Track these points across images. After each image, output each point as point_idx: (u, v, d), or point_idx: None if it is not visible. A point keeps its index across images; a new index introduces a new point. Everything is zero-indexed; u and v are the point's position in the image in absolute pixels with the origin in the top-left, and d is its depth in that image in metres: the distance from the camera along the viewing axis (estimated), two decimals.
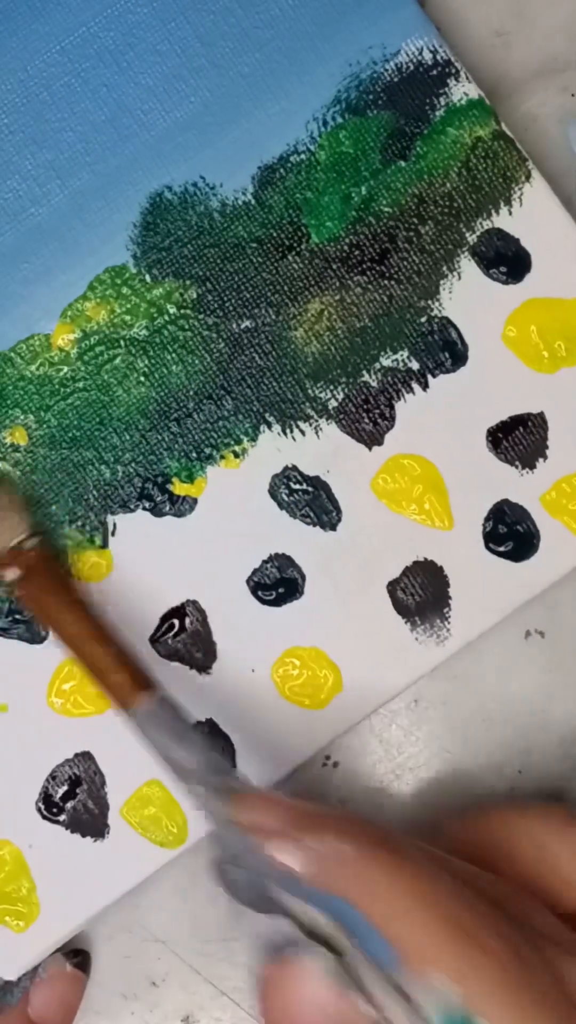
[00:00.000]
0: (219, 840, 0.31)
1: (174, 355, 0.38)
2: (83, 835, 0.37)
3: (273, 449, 0.37)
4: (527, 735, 0.38)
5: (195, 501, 0.37)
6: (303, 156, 0.38)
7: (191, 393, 0.38)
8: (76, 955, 0.37)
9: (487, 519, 0.37)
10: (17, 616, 0.37)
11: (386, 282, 0.38)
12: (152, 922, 0.38)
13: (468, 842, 0.32)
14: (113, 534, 0.37)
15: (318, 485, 0.37)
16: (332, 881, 0.28)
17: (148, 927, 0.38)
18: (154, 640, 0.37)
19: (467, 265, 0.38)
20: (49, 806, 0.37)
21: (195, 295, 0.38)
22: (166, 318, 0.38)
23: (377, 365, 0.38)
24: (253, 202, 0.38)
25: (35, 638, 0.37)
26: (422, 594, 0.37)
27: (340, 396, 0.38)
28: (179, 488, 0.37)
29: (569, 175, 0.39)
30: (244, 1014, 0.38)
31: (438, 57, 0.38)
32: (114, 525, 0.37)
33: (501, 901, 0.28)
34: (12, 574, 0.35)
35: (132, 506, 0.37)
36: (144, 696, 0.33)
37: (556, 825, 0.33)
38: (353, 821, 0.30)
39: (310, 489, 0.37)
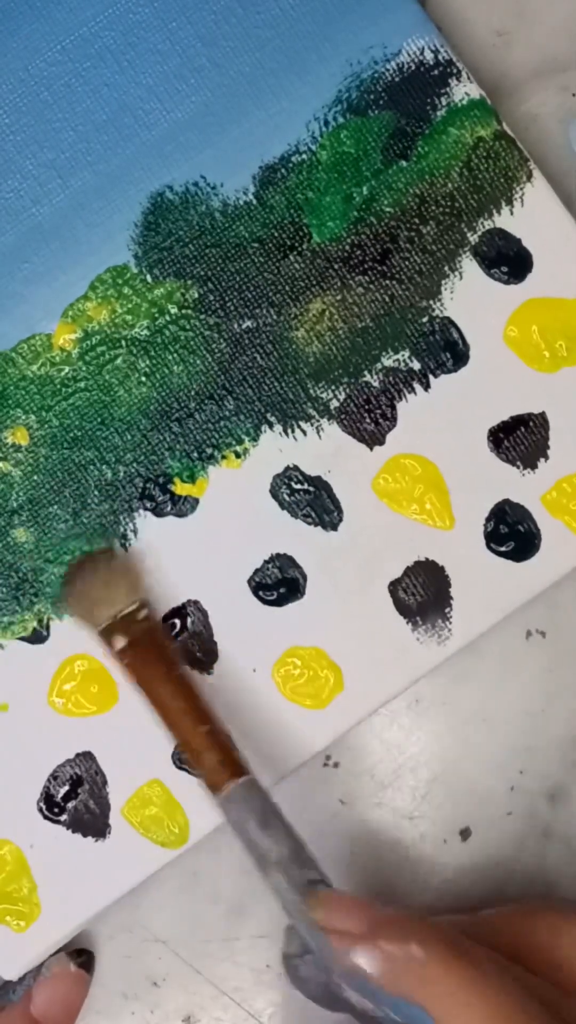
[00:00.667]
0: (293, 935, 0.32)
1: (175, 355, 0.38)
2: (84, 835, 0.37)
3: (275, 449, 0.38)
4: (528, 735, 0.38)
5: (196, 501, 0.37)
6: (304, 156, 0.38)
7: (192, 393, 0.38)
8: (80, 955, 0.37)
9: (488, 519, 0.37)
10: None
11: (387, 282, 0.38)
12: (153, 922, 0.38)
13: (511, 944, 0.32)
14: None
15: (319, 485, 0.37)
16: (409, 988, 0.29)
17: (149, 927, 0.38)
18: None
19: (468, 265, 0.38)
20: (50, 806, 0.37)
21: (196, 295, 0.38)
22: (167, 318, 0.38)
23: (379, 365, 0.38)
24: (254, 202, 0.38)
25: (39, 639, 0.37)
26: (423, 594, 0.37)
27: (342, 396, 0.38)
28: (180, 488, 0.37)
29: (570, 175, 0.40)
30: (245, 1014, 0.38)
31: (439, 57, 0.38)
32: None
33: (557, 1007, 0.29)
34: (120, 642, 0.35)
35: (134, 506, 0.37)
36: (233, 780, 0.33)
37: None
38: (433, 928, 0.30)
39: (311, 489, 0.37)
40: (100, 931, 0.38)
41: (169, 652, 0.36)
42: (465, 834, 0.38)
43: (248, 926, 0.38)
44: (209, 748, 0.34)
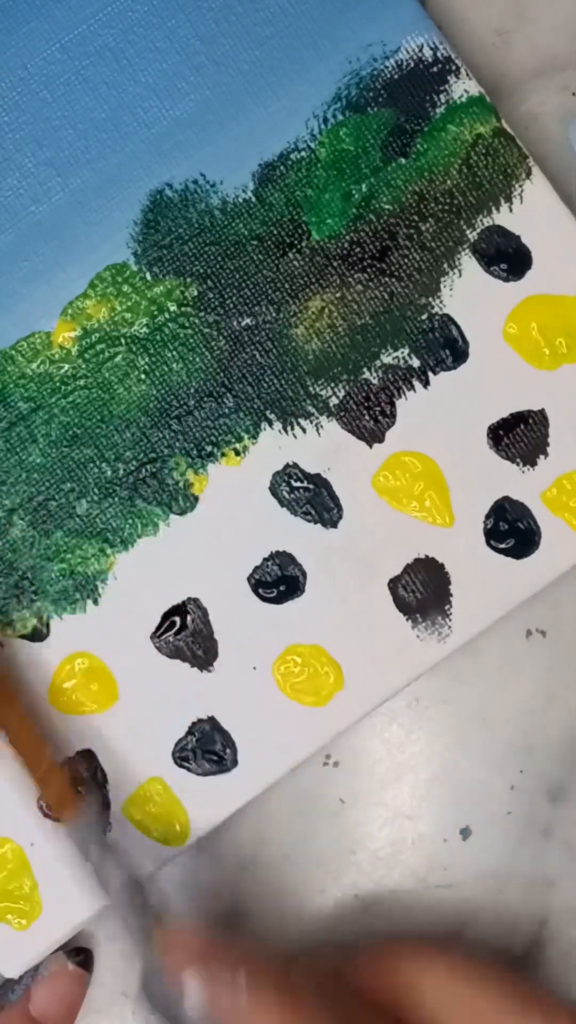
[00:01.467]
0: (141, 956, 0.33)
1: (175, 353, 0.38)
2: None
3: (274, 447, 0.38)
4: (528, 734, 0.38)
5: (196, 499, 0.37)
6: (304, 153, 0.38)
7: (192, 391, 0.38)
8: (79, 953, 0.37)
9: (488, 516, 0.37)
10: None
11: (387, 279, 0.38)
12: None
13: (373, 983, 0.33)
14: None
15: (319, 482, 0.37)
16: (228, 1019, 0.30)
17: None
18: (155, 637, 0.37)
19: (468, 262, 0.38)
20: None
21: (196, 293, 0.38)
22: (167, 316, 0.38)
23: (378, 362, 0.38)
24: (254, 199, 0.38)
25: (39, 637, 0.37)
26: (423, 591, 0.37)
27: (341, 393, 0.38)
28: (180, 485, 0.37)
29: (570, 173, 0.40)
30: None
31: (438, 54, 0.38)
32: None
33: None
34: None
35: (134, 504, 0.37)
36: (72, 812, 0.34)
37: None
38: (264, 963, 0.31)
39: (311, 486, 0.37)
40: (101, 931, 0.38)
41: (8, 683, 0.36)
42: (465, 833, 0.38)
43: (248, 925, 0.38)
44: (51, 777, 0.34)
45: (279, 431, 0.38)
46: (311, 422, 0.38)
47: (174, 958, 0.31)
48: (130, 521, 0.37)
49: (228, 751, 0.36)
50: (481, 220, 0.38)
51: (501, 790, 0.38)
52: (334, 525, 0.37)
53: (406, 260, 0.38)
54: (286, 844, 0.38)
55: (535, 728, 0.38)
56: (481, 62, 0.40)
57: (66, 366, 0.38)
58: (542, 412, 0.38)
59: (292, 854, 0.38)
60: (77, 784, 0.35)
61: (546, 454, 0.37)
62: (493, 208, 0.38)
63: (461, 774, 0.38)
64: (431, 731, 0.39)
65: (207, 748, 0.36)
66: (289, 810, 0.38)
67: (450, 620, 0.37)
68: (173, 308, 0.38)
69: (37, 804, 0.35)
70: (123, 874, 0.34)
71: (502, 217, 0.38)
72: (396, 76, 0.38)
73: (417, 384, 0.38)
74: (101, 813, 0.35)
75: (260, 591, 0.37)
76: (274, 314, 0.38)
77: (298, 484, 0.37)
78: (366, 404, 0.38)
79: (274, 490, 0.37)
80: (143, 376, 0.38)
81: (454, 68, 0.38)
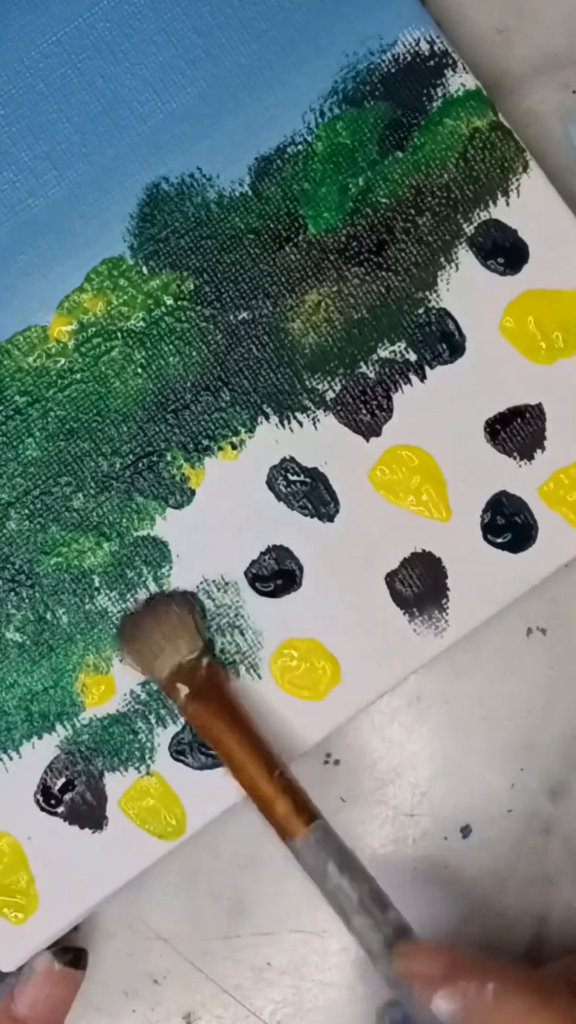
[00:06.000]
0: (387, 983, 0.32)
1: (171, 347, 0.38)
2: (81, 827, 0.36)
3: (271, 440, 0.37)
4: (528, 732, 0.38)
5: (193, 492, 0.37)
6: (300, 147, 0.38)
7: (188, 385, 0.38)
8: (67, 953, 0.37)
9: (485, 510, 0.37)
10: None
11: (383, 273, 0.38)
12: (154, 920, 0.38)
13: None
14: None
15: (316, 476, 0.37)
16: None
17: (150, 925, 0.38)
18: None
19: (465, 256, 0.38)
20: (47, 798, 0.37)
21: (192, 286, 0.38)
22: (163, 309, 0.38)
23: (375, 356, 0.38)
24: (250, 193, 0.38)
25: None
26: (420, 585, 0.37)
27: (338, 387, 0.38)
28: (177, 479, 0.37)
29: (570, 171, 0.39)
30: (245, 1011, 0.38)
31: (435, 48, 0.38)
32: None
33: None
34: (183, 690, 0.35)
35: (131, 497, 0.37)
36: (306, 826, 0.33)
37: None
38: (514, 971, 0.31)
39: (308, 480, 0.37)
40: (101, 929, 0.38)
41: (231, 699, 0.36)
42: (466, 831, 0.38)
43: (249, 924, 0.38)
44: (279, 796, 0.34)
45: (276, 425, 0.38)
46: (308, 416, 0.38)
47: (419, 974, 0.31)
48: (126, 515, 0.37)
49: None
50: (478, 214, 0.38)
51: (502, 788, 0.38)
52: (331, 519, 0.37)
53: (403, 254, 0.38)
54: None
55: (535, 726, 0.38)
56: (481, 60, 0.40)
57: (62, 360, 0.38)
58: (539, 406, 0.37)
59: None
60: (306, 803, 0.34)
61: (543, 448, 0.37)
62: (490, 202, 0.38)
63: (461, 772, 0.38)
64: (432, 729, 0.38)
65: (203, 742, 0.36)
66: None
67: (447, 614, 0.37)
68: (169, 302, 0.38)
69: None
70: (365, 887, 0.33)
71: (499, 211, 0.38)
72: (393, 70, 0.38)
73: (414, 378, 0.38)
74: None
75: (257, 585, 0.37)
76: (270, 308, 0.38)
77: (295, 478, 0.37)
78: (363, 398, 0.38)
79: (271, 484, 0.37)
80: (139, 370, 0.38)
81: (451, 62, 0.38)
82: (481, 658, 0.38)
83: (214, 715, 0.35)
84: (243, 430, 0.38)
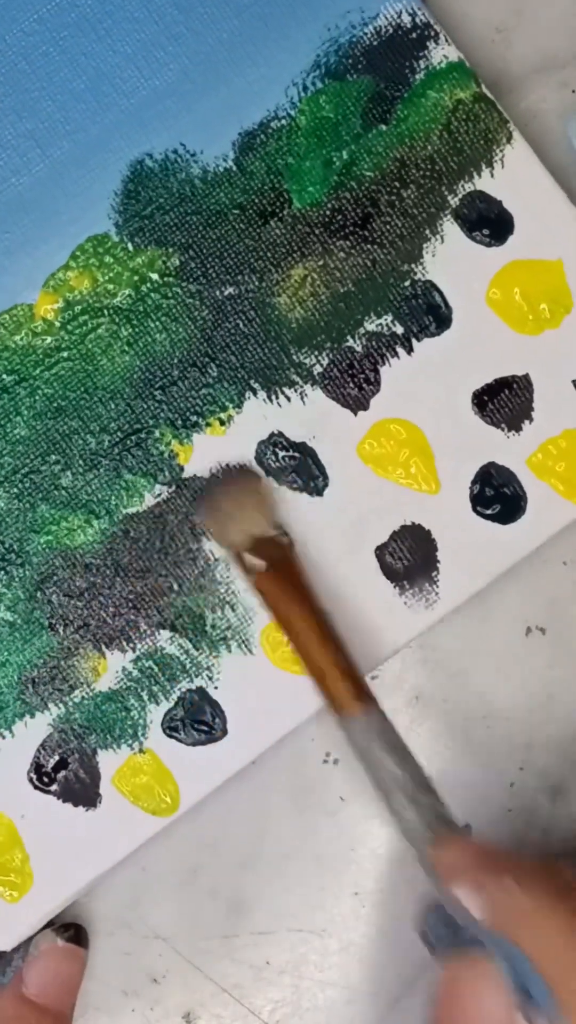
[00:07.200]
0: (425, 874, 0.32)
1: (158, 323, 0.38)
2: (75, 805, 0.36)
3: (259, 415, 0.37)
4: (528, 732, 0.38)
5: (182, 469, 0.37)
6: (283, 121, 0.38)
7: (175, 361, 0.38)
8: (68, 929, 0.37)
9: (474, 482, 0.37)
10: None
11: (369, 246, 0.38)
12: (153, 919, 0.38)
13: None
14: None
15: (304, 451, 0.37)
16: (506, 926, 0.29)
17: (149, 924, 0.38)
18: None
19: (450, 228, 0.38)
20: (40, 776, 0.37)
21: (178, 262, 0.38)
22: (149, 286, 0.38)
23: (361, 330, 0.38)
24: (234, 168, 0.38)
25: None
26: (410, 558, 0.37)
27: (325, 361, 0.38)
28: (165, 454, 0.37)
29: (570, 170, 0.39)
30: (245, 1011, 0.38)
31: (417, 20, 0.38)
32: None
33: None
34: (259, 564, 0.35)
35: (120, 475, 0.37)
36: (361, 707, 0.34)
37: None
38: (539, 870, 0.30)
39: (296, 455, 0.37)
40: (100, 927, 0.38)
41: (303, 581, 0.36)
42: (465, 831, 0.38)
43: (248, 923, 0.38)
44: (339, 676, 0.34)
45: (263, 400, 0.37)
46: (295, 391, 0.38)
47: (447, 865, 0.31)
48: (115, 492, 0.37)
49: (217, 721, 0.36)
50: (463, 186, 0.38)
51: (501, 788, 0.38)
52: (320, 493, 0.37)
53: (388, 227, 0.38)
54: (286, 842, 0.38)
55: (535, 726, 0.38)
56: (481, 59, 0.40)
57: (49, 338, 0.38)
58: (526, 377, 0.37)
59: (292, 852, 0.38)
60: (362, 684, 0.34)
61: (531, 419, 0.37)
62: (475, 173, 0.38)
63: (461, 772, 0.38)
64: (431, 729, 0.38)
65: (196, 718, 0.36)
66: (289, 808, 0.38)
67: (437, 587, 0.37)
68: (155, 278, 0.38)
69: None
70: (417, 774, 0.33)
71: (484, 182, 0.38)
72: (375, 43, 0.38)
73: (401, 351, 0.38)
74: None
75: None
76: (256, 283, 0.38)
77: (283, 453, 0.37)
78: (350, 372, 0.38)
79: (259, 459, 0.37)
80: (126, 347, 0.38)
81: (433, 34, 0.38)
82: (480, 658, 0.38)
83: (285, 588, 0.35)
84: (231, 405, 0.37)
